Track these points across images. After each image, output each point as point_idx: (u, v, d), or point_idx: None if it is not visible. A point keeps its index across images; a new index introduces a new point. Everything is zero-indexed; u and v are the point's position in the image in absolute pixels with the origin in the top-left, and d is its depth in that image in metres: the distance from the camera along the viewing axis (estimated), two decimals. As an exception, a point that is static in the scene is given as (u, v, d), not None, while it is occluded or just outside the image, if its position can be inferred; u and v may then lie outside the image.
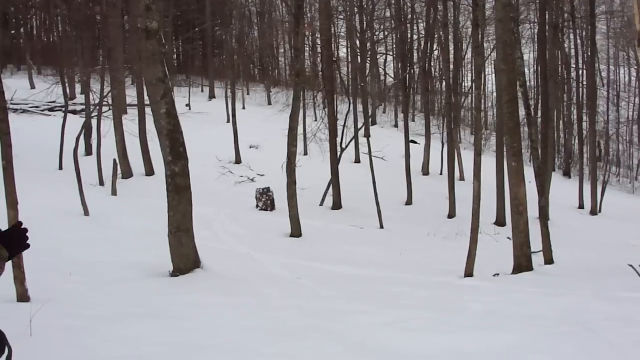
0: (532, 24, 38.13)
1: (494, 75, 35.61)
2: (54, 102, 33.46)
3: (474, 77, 22.70)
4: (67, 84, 31.92)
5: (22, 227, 2.99)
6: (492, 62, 33.38)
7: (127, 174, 24.77)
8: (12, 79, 39.45)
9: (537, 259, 14.49)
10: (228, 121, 32.67)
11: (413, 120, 41.36)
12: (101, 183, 23.14)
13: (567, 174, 38.31)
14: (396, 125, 40.88)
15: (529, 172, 16.52)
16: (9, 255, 2.87)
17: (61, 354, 6.06)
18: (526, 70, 44.75)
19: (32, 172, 21.12)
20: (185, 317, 8.15)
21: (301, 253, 15.48)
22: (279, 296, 10.28)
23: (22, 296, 8.91)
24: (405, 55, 34.13)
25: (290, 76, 35.74)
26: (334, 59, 28.86)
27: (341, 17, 31.59)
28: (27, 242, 2.97)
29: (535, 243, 14.40)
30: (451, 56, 28.94)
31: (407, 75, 30.94)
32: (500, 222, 22.11)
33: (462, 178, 29.41)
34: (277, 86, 48.04)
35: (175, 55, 52.51)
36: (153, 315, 8.21)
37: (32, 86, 39.00)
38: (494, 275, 13.22)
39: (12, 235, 2.92)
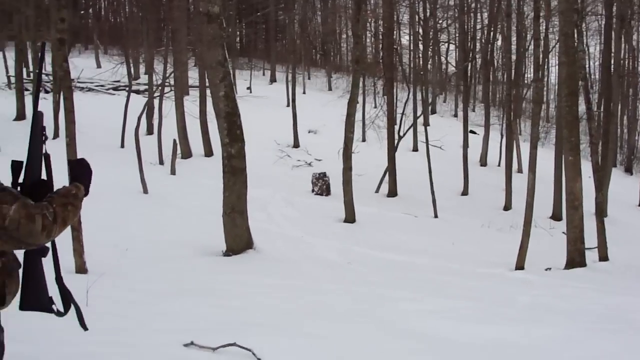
0: (598, 17, 37.37)
1: (557, 67, 35.11)
2: (118, 81, 34.11)
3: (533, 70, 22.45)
4: (131, 64, 32.47)
5: (81, 160, 3.15)
6: (557, 54, 32.88)
7: (187, 154, 25.14)
8: (79, 58, 40.40)
9: (592, 256, 14.30)
10: (288, 105, 32.85)
11: (473, 111, 41.01)
12: (161, 162, 23.55)
13: (629, 170, 37.54)
14: (456, 115, 40.58)
15: (587, 167, 16.32)
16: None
17: (114, 324, 6.29)
18: (591, 63, 44.07)
19: (95, 149, 21.54)
20: (235, 296, 8.34)
21: (354, 239, 15.58)
22: (329, 280, 10.42)
23: (81, 268, 9.24)
24: (467, 45, 33.82)
25: (351, 62, 35.72)
26: (395, 46, 28.76)
27: (404, 4, 31.38)
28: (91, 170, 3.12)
29: (591, 239, 14.23)
30: (513, 47, 28.58)
31: (469, 65, 30.63)
32: (556, 216, 21.83)
33: (520, 170, 29.10)
34: (338, 72, 48.03)
35: (238, 39, 52.90)
36: (203, 292, 8.43)
37: (99, 65, 39.86)
38: (545, 270, 13.13)
39: (80, 170, 3.08)
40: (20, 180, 2.88)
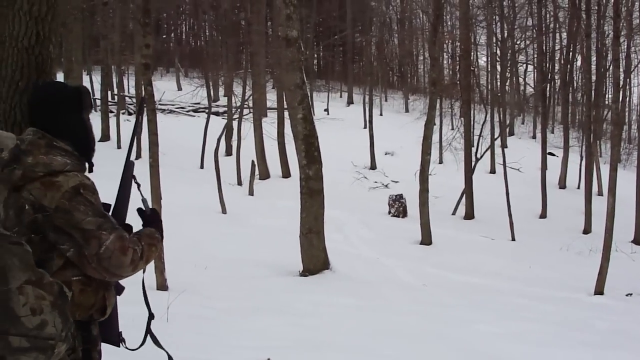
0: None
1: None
2: (198, 103, 34.83)
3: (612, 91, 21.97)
4: (211, 87, 33.14)
5: (154, 210, 3.23)
6: (639, 73, 32.19)
7: (265, 175, 25.45)
8: (161, 81, 41.43)
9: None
10: (365, 127, 32.92)
11: (552, 132, 40.32)
12: (239, 183, 23.91)
13: None
14: (534, 137, 39.95)
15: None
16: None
17: (193, 340, 6.45)
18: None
19: (176, 169, 22.12)
20: (311, 315, 8.43)
21: (430, 261, 15.51)
22: (404, 301, 10.42)
23: (161, 285, 9.49)
24: (545, 65, 33.38)
25: (428, 84, 35.69)
26: (473, 68, 28.61)
27: (481, 25, 31.23)
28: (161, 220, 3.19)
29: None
30: (593, 67, 28.08)
31: (547, 86, 30.21)
32: (638, 240, 21.23)
33: (600, 193, 28.41)
34: (415, 94, 47.90)
35: (315, 61, 53.38)
36: (280, 311, 8.55)
37: (179, 88, 40.81)
38: (626, 295, 12.82)
39: (157, 219, 3.16)
40: None
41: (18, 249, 1.96)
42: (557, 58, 37.56)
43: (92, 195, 2.80)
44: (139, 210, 3.17)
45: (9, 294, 1.88)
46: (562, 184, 29.85)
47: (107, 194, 3.06)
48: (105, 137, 27.22)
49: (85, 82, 31.32)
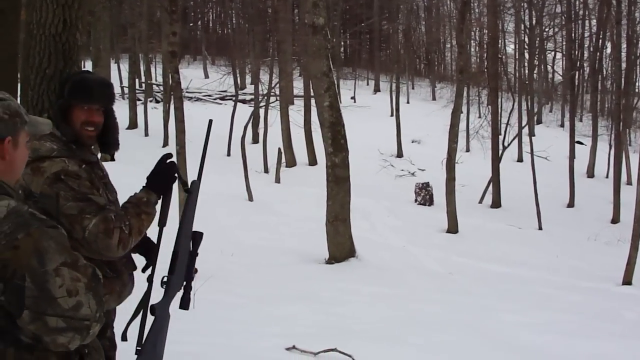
0: None
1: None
2: (225, 91, 34.91)
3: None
4: (238, 75, 33.23)
5: (168, 161, 3.13)
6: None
7: (291, 162, 25.47)
8: (188, 69, 41.60)
9: None
10: (392, 115, 32.81)
11: (580, 121, 39.87)
12: (266, 170, 23.96)
13: None
14: (562, 125, 39.54)
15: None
16: (159, 199, 3.06)
17: (219, 326, 6.51)
18: None
19: (203, 157, 22.17)
20: (336, 302, 8.47)
21: (456, 249, 15.46)
22: (430, 290, 10.42)
23: (188, 272, 9.54)
24: (574, 53, 33.02)
25: (455, 72, 35.48)
26: (500, 55, 28.38)
27: (509, 12, 30.92)
28: (174, 176, 3.11)
29: None
30: (623, 54, 27.71)
31: (576, 74, 29.88)
32: (669, 230, 21.03)
33: (629, 182, 28.10)
34: (442, 81, 47.66)
35: (342, 49, 53.28)
36: (306, 298, 8.59)
37: (206, 76, 40.98)
38: (655, 285, 12.71)
39: (157, 176, 3.07)
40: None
41: (54, 232, 2.01)
42: (586, 45, 37.15)
43: (74, 181, 2.81)
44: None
45: (46, 276, 1.92)
46: (591, 173, 29.57)
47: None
48: (133, 124, 27.38)
49: (113, 70, 31.55)
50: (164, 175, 3.09)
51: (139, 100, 29.82)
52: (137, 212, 2.91)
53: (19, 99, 3.73)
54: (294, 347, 5.88)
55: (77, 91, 3.01)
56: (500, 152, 23.32)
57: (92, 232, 2.73)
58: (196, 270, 3.20)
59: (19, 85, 4.26)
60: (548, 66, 41.03)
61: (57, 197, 2.75)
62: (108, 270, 2.87)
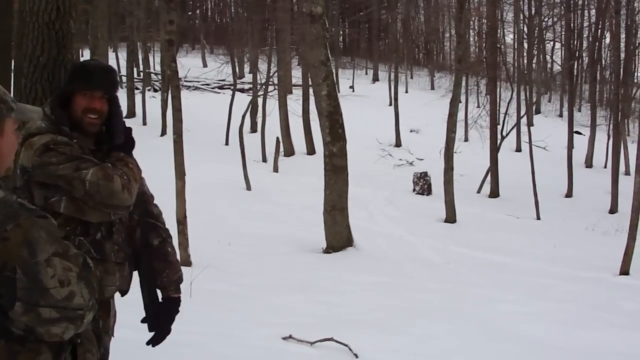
0: None
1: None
2: (223, 80, 34.83)
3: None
4: (236, 64, 33.16)
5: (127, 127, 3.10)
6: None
7: (289, 152, 25.46)
8: (186, 58, 41.54)
9: None
10: (390, 104, 32.76)
11: (579, 111, 39.85)
12: (264, 160, 23.94)
13: None
14: (561, 115, 39.52)
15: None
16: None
17: (216, 315, 6.51)
18: None
19: (201, 146, 22.19)
20: (334, 292, 8.47)
21: (454, 239, 15.46)
22: (428, 279, 10.41)
23: (185, 261, 9.54)
24: (573, 43, 32.97)
25: (454, 61, 35.42)
26: (499, 45, 28.33)
27: (508, 2, 30.87)
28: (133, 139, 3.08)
29: None
30: (622, 44, 27.66)
31: (575, 64, 29.85)
32: (667, 219, 21.02)
33: (627, 172, 28.10)
34: (441, 71, 47.60)
35: (340, 38, 53.18)
36: (303, 288, 8.59)
37: (205, 65, 40.89)
38: (653, 275, 12.70)
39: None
40: None
41: (44, 222, 1.98)
42: (585, 35, 37.06)
43: (64, 147, 2.79)
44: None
45: (38, 267, 1.90)
46: (589, 163, 29.59)
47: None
48: (131, 113, 27.35)
49: (111, 59, 31.44)
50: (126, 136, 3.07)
51: (137, 89, 29.79)
52: (124, 164, 2.90)
53: (12, 86, 3.71)
54: (290, 336, 5.87)
55: (77, 77, 2.98)
56: (498, 141, 23.33)
57: (92, 181, 2.71)
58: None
59: (12, 73, 4.24)
60: (547, 56, 40.96)
61: (47, 165, 2.74)
62: (92, 251, 2.83)
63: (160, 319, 3.14)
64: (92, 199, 2.73)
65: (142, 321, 3.12)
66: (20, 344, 2.00)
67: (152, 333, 3.12)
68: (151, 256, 3.14)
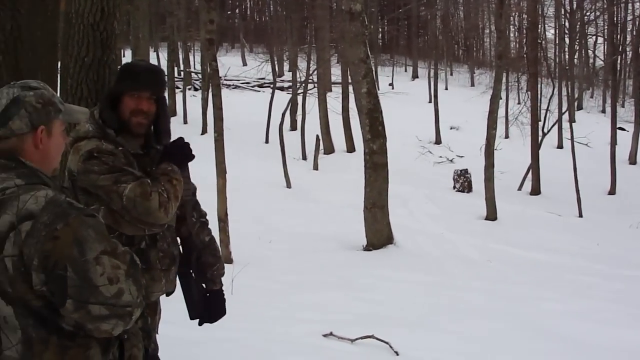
0: None
1: None
2: (263, 78, 35.01)
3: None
4: (276, 62, 33.30)
5: (185, 141, 3.10)
6: None
7: (329, 149, 25.50)
8: (226, 56, 41.79)
9: None
10: (430, 101, 32.63)
11: (622, 106, 39.25)
12: (304, 157, 24.01)
13: None
14: (604, 111, 38.97)
15: None
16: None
17: (257, 312, 6.56)
18: None
19: (241, 144, 22.33)
20: (374, 289, 8.47)
21: (495, 236, 15.35)
22: (468, 277, 10.35)
23: (226, 258, 9.62)
24: (616, 37, 32.49)
25: (494, 57, 35.13)
26: (540, 40, 28.05)
27: (550, -3, 30.60)
28: (190, 153, 3.09)
29: None
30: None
31: (618, 58, 29.40)
32: None
33: (673, 169, 27.74)
34: (481, 67, 47.25)
35: (380, 35, 53.04)
36: (343, 285, 8.60)
37: (244, 63, 41.11)
38: (699, 273, 12.48)
39: (172, 149, 3.06)
40: None
41: (92, 220, 2.03)
42: (629, 29, 36.51)
43: (108, 157, 2.81)
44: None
45: (87, 265, 1.95)
46: (633, 160, 29.15)
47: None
48: (172, 112, 27.57)
49: (152, 58, 31.75)
50: (180, 148, 3.08)
51: (178, 88, 30.08)
52: (167, 179, 2.89)
53: (58, 87, 3.78)
54: (331, 333, 5.89)
55: (125, 77, 3.01)
56: (539, 138, 23.11)
57: (129, 197, 2.73)
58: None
59: (58, 74, 4.32)
60: (589, 51, 40.42)
61: (89, 173, 2.78)
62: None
63: (211, 310, 3.26)
64: (129, 214, 2.76)
65: (192, 317, 3.19)
66: (71, 340, 2.04)
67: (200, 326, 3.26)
68: (202, 252, 3.23)
